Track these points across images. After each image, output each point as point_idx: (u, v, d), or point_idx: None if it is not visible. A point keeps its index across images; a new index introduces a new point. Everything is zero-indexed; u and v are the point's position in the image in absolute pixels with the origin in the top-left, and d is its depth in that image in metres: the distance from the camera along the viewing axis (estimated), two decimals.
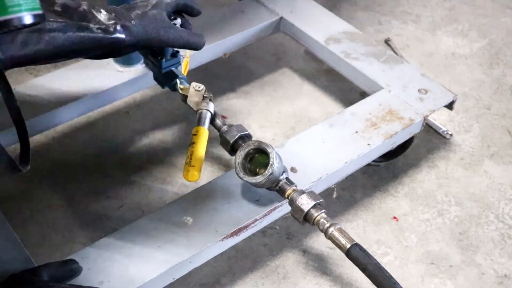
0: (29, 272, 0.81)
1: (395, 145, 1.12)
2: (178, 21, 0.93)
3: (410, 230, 1.13)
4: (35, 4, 0.62)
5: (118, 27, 0.79)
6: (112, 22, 0.80)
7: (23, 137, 0.78)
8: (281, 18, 1.31)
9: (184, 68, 1.04)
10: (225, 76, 1.42)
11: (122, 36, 0.80)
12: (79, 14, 0.77)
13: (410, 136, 1.14)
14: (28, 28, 0.62)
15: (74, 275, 0.85)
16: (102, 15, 0.80)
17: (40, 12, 0.62)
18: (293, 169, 0.99)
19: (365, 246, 0.88)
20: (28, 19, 0.61)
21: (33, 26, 0.62)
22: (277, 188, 0.92)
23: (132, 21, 0.82)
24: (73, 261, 0.85)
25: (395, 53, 1.49)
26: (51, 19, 0.73)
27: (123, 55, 0.85)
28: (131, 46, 0.83)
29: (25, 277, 0.79)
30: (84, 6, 0.78)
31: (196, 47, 0.92)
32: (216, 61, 1.28)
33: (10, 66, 0.71)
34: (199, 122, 0.96)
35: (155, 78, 1.05)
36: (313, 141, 1.06)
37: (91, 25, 0.77)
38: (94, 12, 0.79)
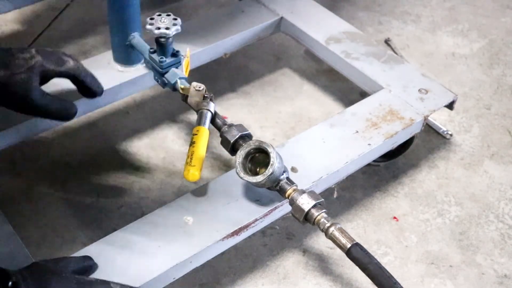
0: (52, 262, 0.80)
1: (395, 145, 1.12)
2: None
3: (410, 230, 1.13)
4: None
5: None
6: None
7: None
8: (282, 18, 1.31)
9: (185, 68, 1.04)
10: (225, 76, 1.42)
11: None
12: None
13: (411, 136, 1.14)
14: None
15: (90, 272, 0.84)
16: None
17: None
18: (293, 169, 0.99)
19: (365, 246, 0.88)
20: None
21: None
22: (277, 188, 0.91)
23: None
24: (90, 258, 0.85)
25: (395, 53, 1.49)
26: None
27: None
28: None
29: (49, 266, 0.78)
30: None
31: (61, 117, 0.92)
32: (216, 61, 1.27)
33: None
34: (200, 122, 0.95)
35: (156, 78, 1.05)
36: (313, 141, 1.06)
37: None
38: None
